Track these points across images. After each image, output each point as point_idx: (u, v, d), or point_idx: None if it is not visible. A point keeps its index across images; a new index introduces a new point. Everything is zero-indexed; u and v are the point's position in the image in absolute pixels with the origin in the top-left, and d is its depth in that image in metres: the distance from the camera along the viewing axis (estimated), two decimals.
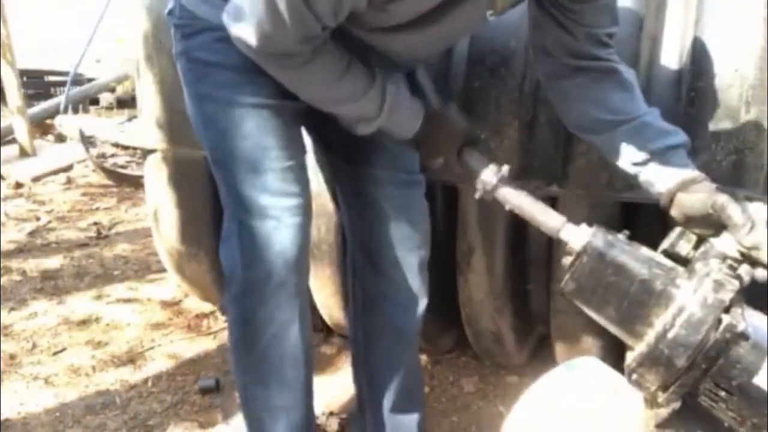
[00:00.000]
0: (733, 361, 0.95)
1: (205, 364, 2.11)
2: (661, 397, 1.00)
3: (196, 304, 2.44)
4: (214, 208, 1.69)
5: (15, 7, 5.49)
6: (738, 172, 1.38)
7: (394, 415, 1.52)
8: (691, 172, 1.14)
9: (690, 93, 1.41)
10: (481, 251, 1.65)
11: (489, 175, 1.18)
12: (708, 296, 0.96)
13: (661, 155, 1.16)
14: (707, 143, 1.38)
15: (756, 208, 1.05)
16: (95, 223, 3.46)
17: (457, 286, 1.75)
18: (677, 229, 1.13)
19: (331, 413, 1.82)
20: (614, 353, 1.51)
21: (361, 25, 1.11)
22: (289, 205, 1.25)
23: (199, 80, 1.25)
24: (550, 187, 1.51)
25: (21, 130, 4.59)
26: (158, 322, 2.38)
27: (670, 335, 0.97)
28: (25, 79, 5.26)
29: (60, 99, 4.96)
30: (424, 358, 2.04)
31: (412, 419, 1.53)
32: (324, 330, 2.14)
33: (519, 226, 1.64)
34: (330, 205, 1.69)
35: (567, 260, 1.09)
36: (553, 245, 1.62)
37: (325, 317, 1.97)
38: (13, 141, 4.67)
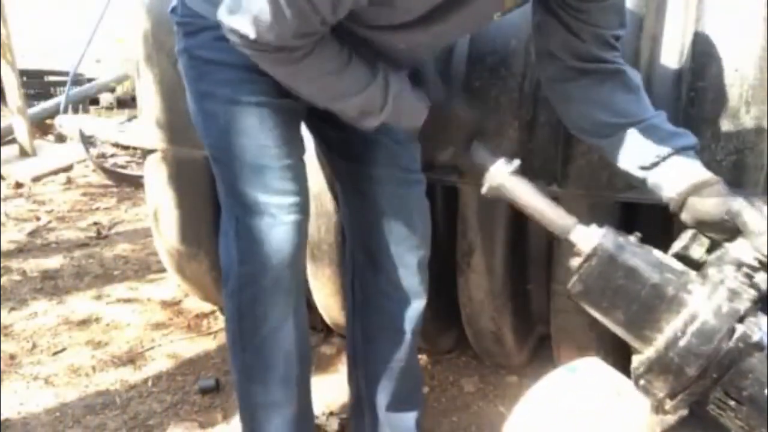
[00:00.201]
0: (745, 371, 0.93)
1: (205, 364, 2.11)
2: (669, 405, 0.98)
3: (196, 304, 2.44)
4: (214, 208, 1.69)
5: (15, 7, 5.47)
6: (738, 172, 1.38)
7: (392, 414, 1.51)
8: (703, 175, 1.12)
9: (690, 93, 1.41)
10: (481, 251, 1.65)
11: (498, 168, 1.15)
12: (722, 305, 0.94)
13: (670, 158, 1.13)
14: (707, 143, 1.37)
15: None
16: (95, 223, 3.45)
17: (457, 286, 1.75)
18: (689, 231, 1.10)
19: (331, 413, 1.82)
20: (616, 354, 1.50)
21: (364, 23, 1.10)
22: (286, 202, 1.25)
23: (200, 78, 1.25)
24: (550, 187, 1.51)
25: (21, 130, 4.58)
26: (158, 322, 2.38)
27: (681, 343, 0.95)
28: (25, 79, 5.24)
29: (60, 99, 4.95)
30: (424, 358, 2.04)
31: (410, 417, 1.53)
32: (324, 330, 2.14)
33: (519, 225, 1.64)
34: (330, 205, 1.69)
35: (575, 262, 1.06)
36: (553, 245, 1.62)
37: (325, 317, 1.96)
38: (13, 141, 4.66)
